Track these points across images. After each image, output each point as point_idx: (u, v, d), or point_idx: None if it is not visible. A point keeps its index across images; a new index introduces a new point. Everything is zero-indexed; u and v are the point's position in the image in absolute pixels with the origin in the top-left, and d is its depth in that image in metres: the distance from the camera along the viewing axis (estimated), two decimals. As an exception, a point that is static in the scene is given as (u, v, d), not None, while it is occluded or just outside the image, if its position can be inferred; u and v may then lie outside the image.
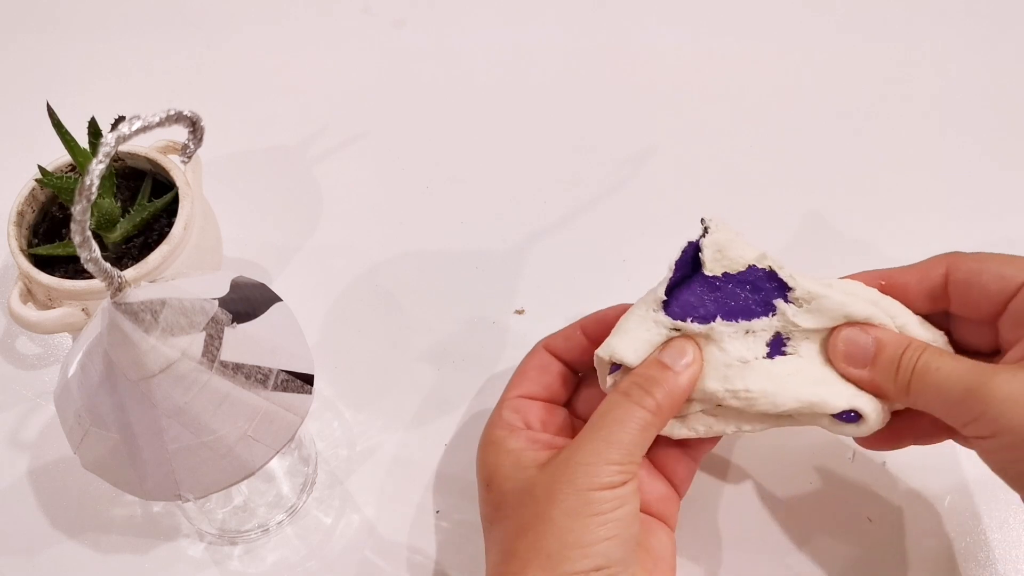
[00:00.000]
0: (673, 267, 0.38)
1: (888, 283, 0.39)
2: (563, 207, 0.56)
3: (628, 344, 0.38)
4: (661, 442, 0.39)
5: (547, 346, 0.43)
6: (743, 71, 0.63)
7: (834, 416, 0.37)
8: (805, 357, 0.38)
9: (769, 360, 0.38)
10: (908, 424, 0.39)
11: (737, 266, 0.38)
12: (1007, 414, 0.33)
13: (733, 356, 0.37)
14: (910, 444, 0.40)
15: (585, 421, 0.41)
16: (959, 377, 0.34)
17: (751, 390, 0.37)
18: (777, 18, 0.66)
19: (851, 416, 0.37)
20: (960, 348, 0.39)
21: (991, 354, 0.38)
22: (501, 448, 0.39)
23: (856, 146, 0.59)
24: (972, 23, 0.65)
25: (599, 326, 0.41)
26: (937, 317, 0.39)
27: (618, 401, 0.37)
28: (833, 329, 0.38)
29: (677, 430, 0.39)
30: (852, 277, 0.40)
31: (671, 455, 0.40)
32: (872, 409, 0.37)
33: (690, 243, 0.38)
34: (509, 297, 0.52)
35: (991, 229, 0.54)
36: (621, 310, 0.40)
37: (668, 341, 0.38)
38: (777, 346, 0.38)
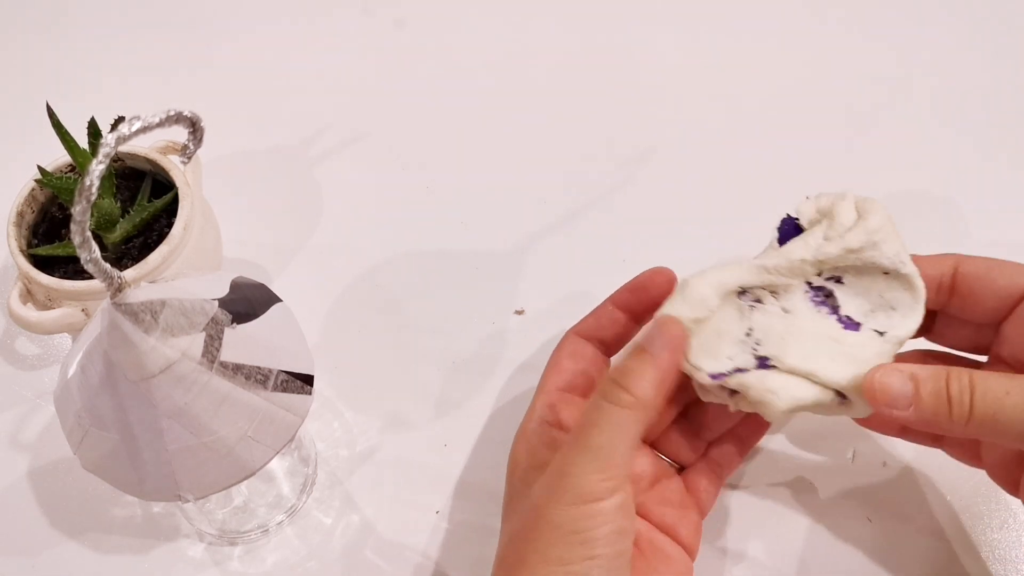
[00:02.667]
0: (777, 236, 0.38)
1: None
2: (563, 207, 0.56)
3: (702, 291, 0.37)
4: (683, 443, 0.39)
5: (578, 332, 0.41)
6: (743, 71, 0.63)
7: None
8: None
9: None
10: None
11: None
12: None
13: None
14: (897, 437, 0.41)
15: None
16: None
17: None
18: (777, 18, 0.66)
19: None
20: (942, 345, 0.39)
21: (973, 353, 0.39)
22: (529, 442, 0.38)
23: (857, 145, 0.59)
24: (974, 22, 0.65)
25: (632, 296, 0.40)
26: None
27: (595, 402, 0.34)
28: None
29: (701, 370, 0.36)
30: None
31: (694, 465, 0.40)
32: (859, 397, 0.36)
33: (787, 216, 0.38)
34: (509, 297, 0.52)
35: (995, 230, 0.54)
36: (650, 275, 0.39)
37: (653, 320, 0.36)
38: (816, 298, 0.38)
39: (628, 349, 0.35)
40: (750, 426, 0.42)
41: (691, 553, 0.39)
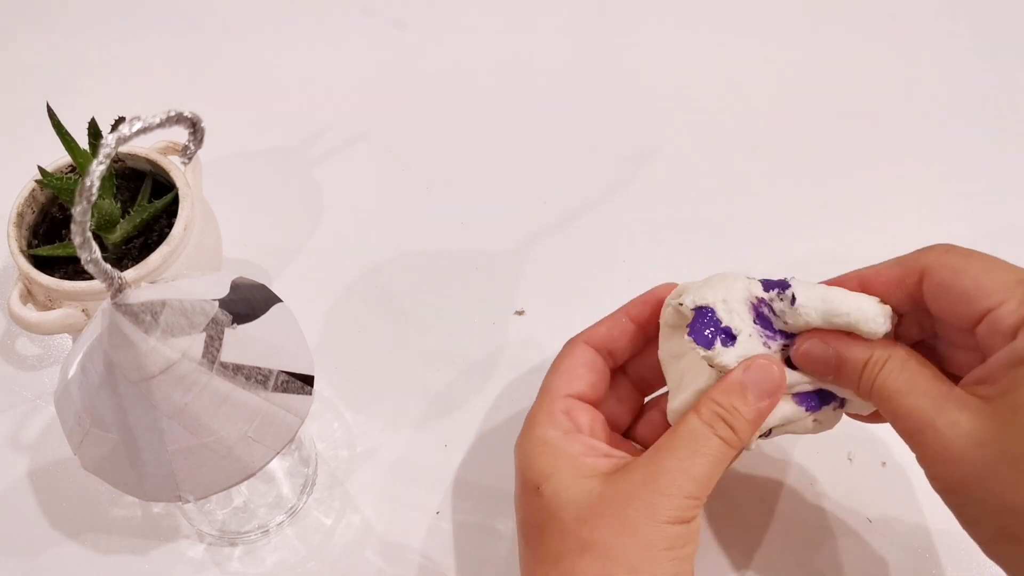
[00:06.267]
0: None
1: (866, 289, 0.37)
2: (563, 207, 0.56)
3: (720, 294, 0.36)
4: None
5: (588, 341, 0.40)
6: (743, 72, 0.63)
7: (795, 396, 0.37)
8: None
9: None
10: None
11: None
12: (951, 461, 0.32)
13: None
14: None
15: (612, 423, 0.41)
16: (912, 411, 0.33)
17: None
18: (777, 18, 0.66)
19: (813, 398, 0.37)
20: (945, 352, 0.37)
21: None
22: (558, 451, 0.37)
23: (857, 146, 0.59)
24: (973, 22, 0.65)
25: (646, 307, 0.40)
26: (921, 315, 0.37)
27: (701, 431, 0.35)
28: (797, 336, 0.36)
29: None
30: (832, 282, 0.38)
31: None
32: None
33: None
34: (509, 298, 0.52)
35: (995, 229, 0.54)
36: (666, 290, 0.39)
37: (753, 360, 0.36)
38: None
39: (727, 385, 0.36)
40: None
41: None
